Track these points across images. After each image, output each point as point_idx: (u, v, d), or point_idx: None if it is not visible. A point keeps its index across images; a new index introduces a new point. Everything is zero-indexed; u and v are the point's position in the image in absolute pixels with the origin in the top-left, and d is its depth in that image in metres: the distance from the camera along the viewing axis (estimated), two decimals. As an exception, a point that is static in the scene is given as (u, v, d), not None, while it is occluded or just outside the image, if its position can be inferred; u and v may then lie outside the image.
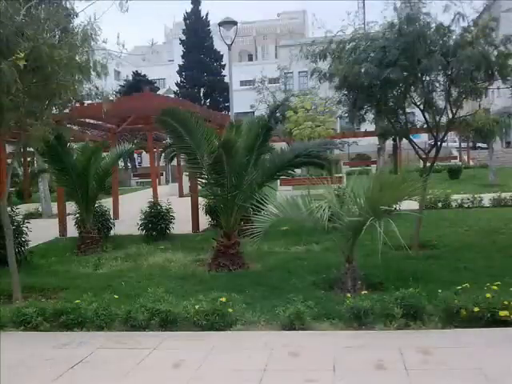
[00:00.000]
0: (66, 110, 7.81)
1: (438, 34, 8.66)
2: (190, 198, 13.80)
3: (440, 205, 15.29)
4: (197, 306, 5.94)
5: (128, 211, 15.64)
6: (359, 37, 9.19)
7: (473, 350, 4.98)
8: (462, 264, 8.35)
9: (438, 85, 9.37)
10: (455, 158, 36.23)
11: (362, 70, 8.57)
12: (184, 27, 48.72)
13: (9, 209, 8.93)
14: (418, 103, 9.69)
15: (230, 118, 15.73)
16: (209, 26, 47.93)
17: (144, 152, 39.53)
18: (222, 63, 47.05)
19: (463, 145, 37.38)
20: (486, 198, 15.29)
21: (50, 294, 7.68)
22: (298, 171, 16.91)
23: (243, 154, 8.93)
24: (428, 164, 10.03)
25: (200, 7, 48.58)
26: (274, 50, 64.87)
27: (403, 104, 9.65)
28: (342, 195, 7.47)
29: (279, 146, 13.54)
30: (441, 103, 9.73)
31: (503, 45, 8.62)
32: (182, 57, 48.23)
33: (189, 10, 48.47)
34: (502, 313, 5.42)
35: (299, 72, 44.02)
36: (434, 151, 10.08)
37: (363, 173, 23.06)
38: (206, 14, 48.68)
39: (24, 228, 9.97)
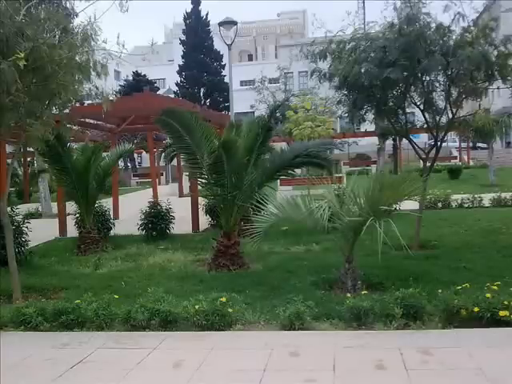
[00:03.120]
0: (66, 110, 7.80)
1: (438, 33, 8.66)
2: (190, 197, 13.80)
3: (440, 205, 15.30)
4: (197, 306, 5.93)
5: (128, 211, 15.64)
6: (359, 37, 9.20)
7: (473, 350, 4.98)
8: (461, 264, 8.35)
9: (437, 85, 9.38)
10: (455, 158, 36.29)
11: (362, 70, 8.58)
12: (184, 27, 48.71)
13: (9, 209, 8.93)
14: (418, 103, 9.70)
15: (229, 118, 15.73)
16: (209, 26, 47.92)
17: (144, 152, 39.59)
18: (222, 63, 47.03)
19: (463, 145, 37.42)
20: (486, 198, 15.28)
21: (50, 294, 7.68)
22: (298, 171, 16.88)
23: (243, 154, 8.92)
24: (428, 164, 10.03)
25: (200, 7, 48.60)
26: (274, 49, 64.94)
27: (403, 104, 9.66)
28: (342, 195, 7.46)
29: (279, 146, 13.58)
30: (441, 103, 9.74)
31: (503, 45, 8.63)
32: (182, 57, 48.21)
33: (189, 10, 48.48)
34: (502, 313, 5.42)
35: (299, 72, 44.03)
36: (433, 151, 10.09)
37: (363, 173, 23.21)
38: (206, 14, 48.68)
39: (24, 228, 9.95)
